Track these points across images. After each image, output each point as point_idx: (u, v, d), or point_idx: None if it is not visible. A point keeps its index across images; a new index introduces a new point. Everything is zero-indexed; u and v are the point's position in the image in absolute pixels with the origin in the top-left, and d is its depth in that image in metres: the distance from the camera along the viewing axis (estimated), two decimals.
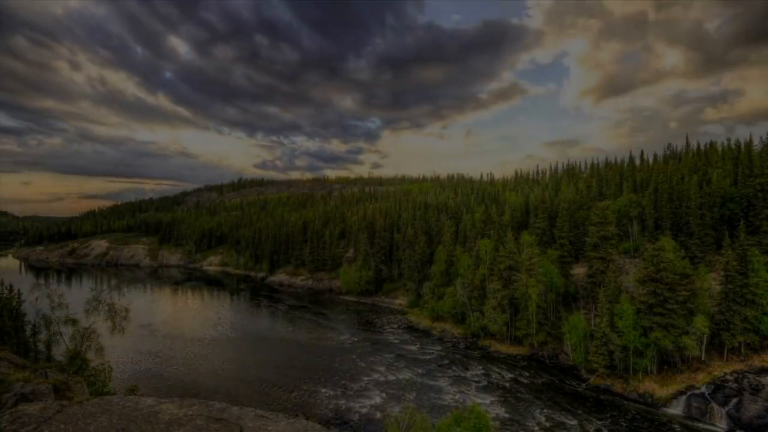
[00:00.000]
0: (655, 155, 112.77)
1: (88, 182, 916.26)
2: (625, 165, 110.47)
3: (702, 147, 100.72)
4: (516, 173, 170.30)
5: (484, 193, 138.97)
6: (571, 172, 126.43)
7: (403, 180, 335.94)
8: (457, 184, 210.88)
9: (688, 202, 68.57)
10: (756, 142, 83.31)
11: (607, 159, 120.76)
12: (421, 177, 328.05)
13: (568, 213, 75.46)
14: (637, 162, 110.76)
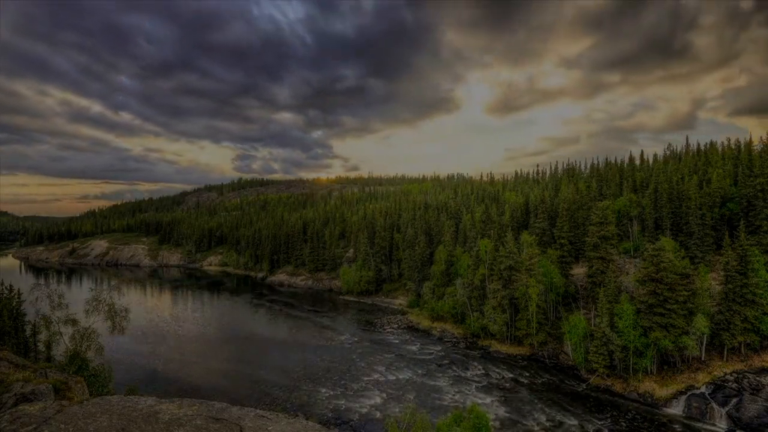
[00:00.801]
0: (655, 155, 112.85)
1: (81, 185, 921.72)
2: (625, 165, 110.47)
3: (702, 147, 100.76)
4: (516, 173, 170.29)
5: (484, 193, 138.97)
6: (571, 172, 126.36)
7: (403, 180, 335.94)
8: (457, 184, 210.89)
9: (688, 202, 68.56)
10: (756, 141, 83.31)
11: (607, 159, 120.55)
12: (421, 177, 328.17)
13: (568, 213, 75.43)
14: (637, 162, 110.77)
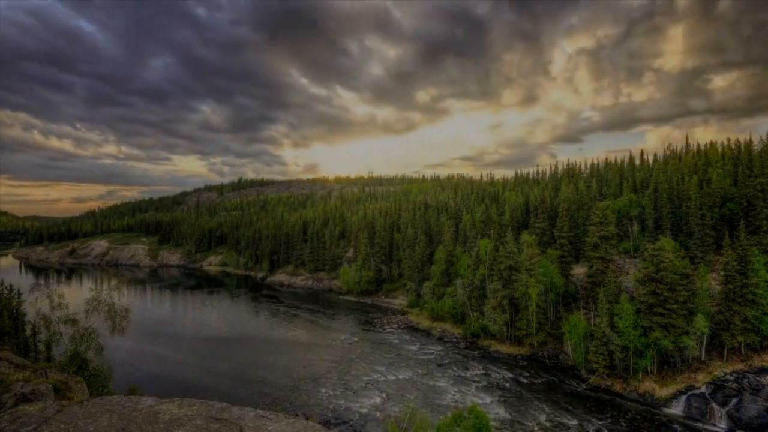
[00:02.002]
0: (655, 155, 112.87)
1: (76, 187, 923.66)
2: (626, 165, 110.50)
3: (702, 147, 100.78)
4: (516, 173, 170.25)
5: (484, 193, 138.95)
6: (571, 172, 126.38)
7: (402, 180, 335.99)
8: (457, 184, 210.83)
9: (688, 202, 68.55)
10: (756, 142, 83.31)
11: (607, 159, 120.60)
12: (421, 177, 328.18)
13: (568, 213, 75.43)
14: (637, 162, 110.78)
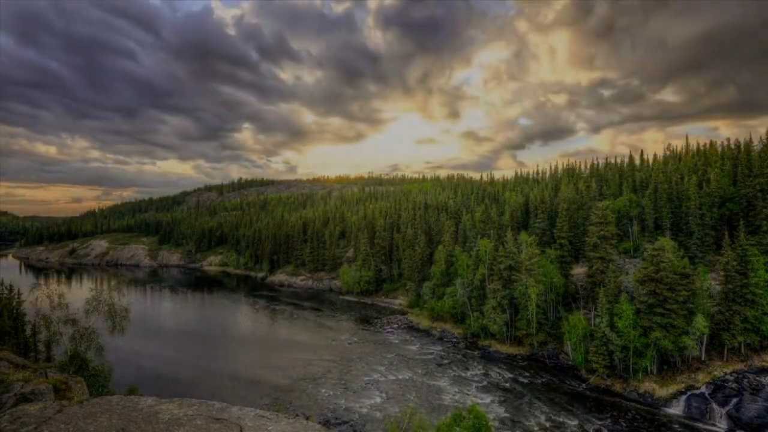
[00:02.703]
0: (655, 155, 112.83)
1: (72, 189, 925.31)
2: (625, 165, 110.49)
3: (702, 147, 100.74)
4: (516, 173, 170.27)
5: (484, 193, 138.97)
6: (571, 172, 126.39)
7: (402, 180, 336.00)
8: (457, 184, 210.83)
9: (687, 202, 68.57)
10: (756, 141, 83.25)
11: (607, 159, 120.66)
12: (421, 177, 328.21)
13: (568, 213, 75.43)
14: (637, 162, 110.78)
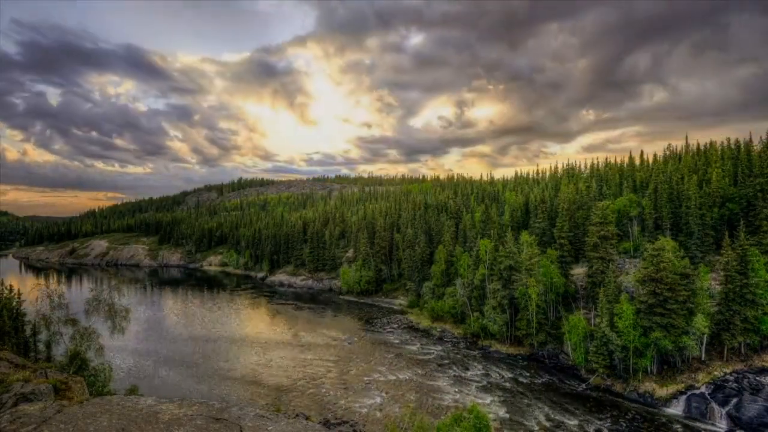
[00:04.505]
0: (655, 155, 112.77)
1: (55, 192, 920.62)
2: (625, 165, 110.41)
3: (702, 147, 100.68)
4: (516, 173, 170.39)
5: (484, 193, 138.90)
6: (571, 172, 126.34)
7: (402, 180, 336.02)
8: (457, 183, 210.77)
9: (688, 202, 68.52)
10: (756, 141, 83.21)
11: (607, 159, 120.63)
12: (421, 177, 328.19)
13: (568, 213, 75.41)
14: (637, 162, 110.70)
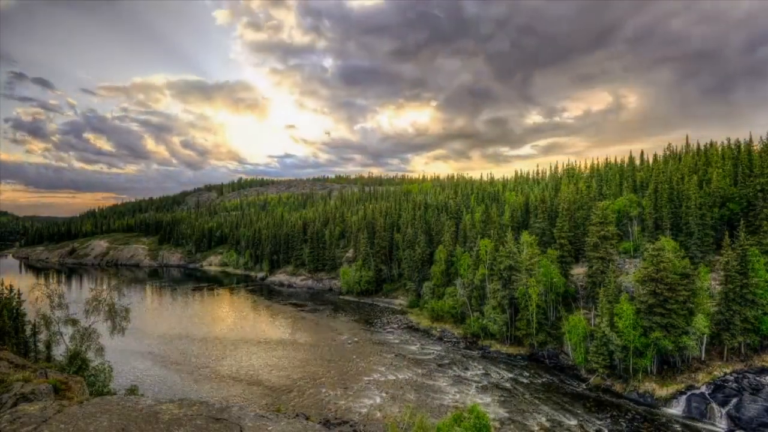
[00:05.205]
0: (655, 155, 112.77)
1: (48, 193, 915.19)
2: (625, 165, 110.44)
3: (702, 147, 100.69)
4: (516, 173, 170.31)
5: (484, 193, 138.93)
6: (571, 172, 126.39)
7: (403, 180, 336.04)
8: (457, 183, 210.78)
9: (688, 202, 68.52)
10: (755, 141, 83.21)
11: (607, 159, 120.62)
12: (421, 177, 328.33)
13: (568, 213, 75.42)
14: (637, 162, 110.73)
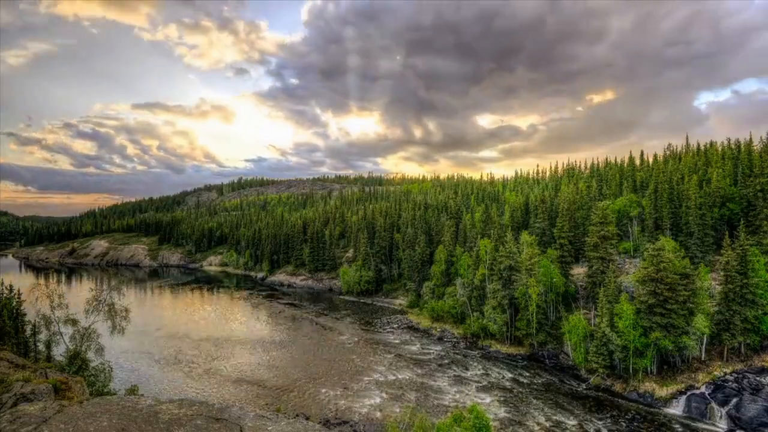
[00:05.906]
0: (655, 155, 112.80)
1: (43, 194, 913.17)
2: (626, 165, 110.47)
3: (702, 147, 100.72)
4: (516, 173, 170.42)
5: (484, 193, 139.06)
6: (571, 172, 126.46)
7: (403, 180, 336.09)
8: (457, 184, 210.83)
9: (688, 202, 68.53)
10: (756, 141, 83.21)
11: (607, 159, 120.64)
12: (421, 177, 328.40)
13: (568, 213, 75.41)
14: (638, 162, 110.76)
